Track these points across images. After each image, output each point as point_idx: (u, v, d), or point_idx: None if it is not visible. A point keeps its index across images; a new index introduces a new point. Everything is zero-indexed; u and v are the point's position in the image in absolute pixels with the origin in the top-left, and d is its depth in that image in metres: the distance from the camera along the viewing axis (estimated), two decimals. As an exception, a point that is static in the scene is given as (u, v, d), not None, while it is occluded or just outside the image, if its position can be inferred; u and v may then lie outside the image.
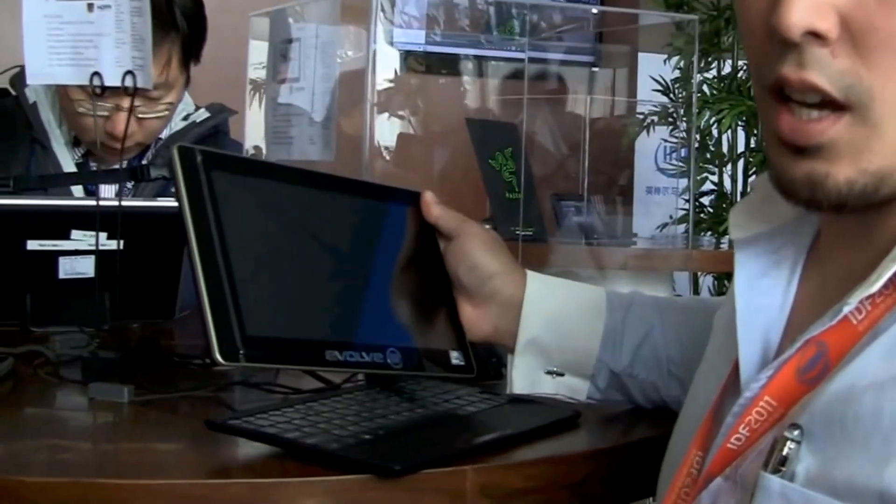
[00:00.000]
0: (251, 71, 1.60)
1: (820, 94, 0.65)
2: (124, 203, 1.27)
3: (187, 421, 1.03)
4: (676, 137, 3.10)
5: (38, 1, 1.20)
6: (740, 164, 3.18)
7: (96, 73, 1.19)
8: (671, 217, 3.05)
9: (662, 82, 3.09)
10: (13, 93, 1.89)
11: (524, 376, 1.03)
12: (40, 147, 1.85)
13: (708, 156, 3.11)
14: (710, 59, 3.08)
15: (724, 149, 3.15)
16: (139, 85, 1.20)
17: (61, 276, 1.41)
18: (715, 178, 3.18)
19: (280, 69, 1.52)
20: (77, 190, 1.82)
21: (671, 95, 3.10)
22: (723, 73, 3.09)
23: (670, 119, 3.05)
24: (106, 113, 1.72)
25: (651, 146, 3.37)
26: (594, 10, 3.45)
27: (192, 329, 1.43)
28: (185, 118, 1.92)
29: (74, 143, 1.88)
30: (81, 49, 1.19)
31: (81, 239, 1.40)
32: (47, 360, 1.19)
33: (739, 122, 2.97)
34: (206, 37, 1.85)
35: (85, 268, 1.40)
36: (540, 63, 2.81)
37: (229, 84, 1.81)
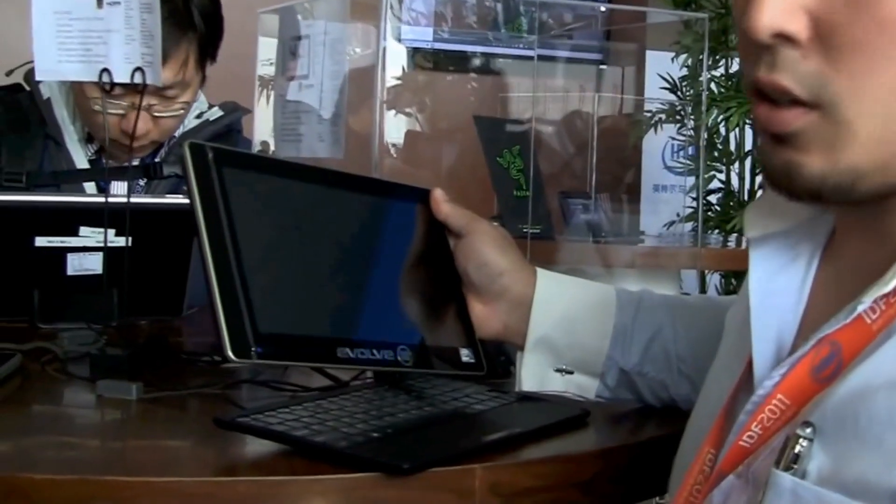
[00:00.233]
0: (260, 67, 1.60)
1: (790, 96, 0.66)
2: (132, 200, 1.26)
3: (195, 418, 1.03)
4: (684, 135, 3.10)
5: (47, -3, 1.20)
6: (748, 162, 3.18)
7: (105, 70, 1.19)
8: (678, 215, 3.05)
9: (670, 80, 3.09)
10: (27, 88, 1.89)
11: (533, 374, 1.03)
12: (53, 143, 1.85)
13: (715, 154, 3.11)
14: (717, 57, 3.08)
15: (732, 147, 3.15)
16: (148, 81, 1.19)
17: (69, 272, 1.41)
18: (722, 177, 3.18)
19: (289, 66, 1.52)
20: (89, 187, 1.82)
21: (679, 93, 3.09)
22: (731, 71, 3.09)
23: (678, 117, 3.05)
24: (121, 111, 1.72)
25: (658, 144, 3.37)
26: (602, 8, 3.44)
27: (200, 326, 1.43)
28: (199, 116, 1.92)
29: (88, 139, 1.88)
30: (91, 45, 1.19)
31: (90, 235, 1.40)
32: (55, 356, 1.19)
33: (747, 121, 2.97)
34: (223, 36, 1.85)
35: (93, 264, 1.40)
36: (549, 60, 2.81)
37: (238, 80, 1.81)
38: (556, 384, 1.03)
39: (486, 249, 1.04)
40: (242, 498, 0.77)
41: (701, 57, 2.94)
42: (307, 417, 0.86)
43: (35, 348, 1.20)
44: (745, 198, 3.13)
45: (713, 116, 2.92)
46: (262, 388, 1.07)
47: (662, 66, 3.11)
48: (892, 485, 0.59)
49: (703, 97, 2.66)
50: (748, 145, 3.13)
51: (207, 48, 1.82)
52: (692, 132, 3.02)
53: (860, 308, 0.65)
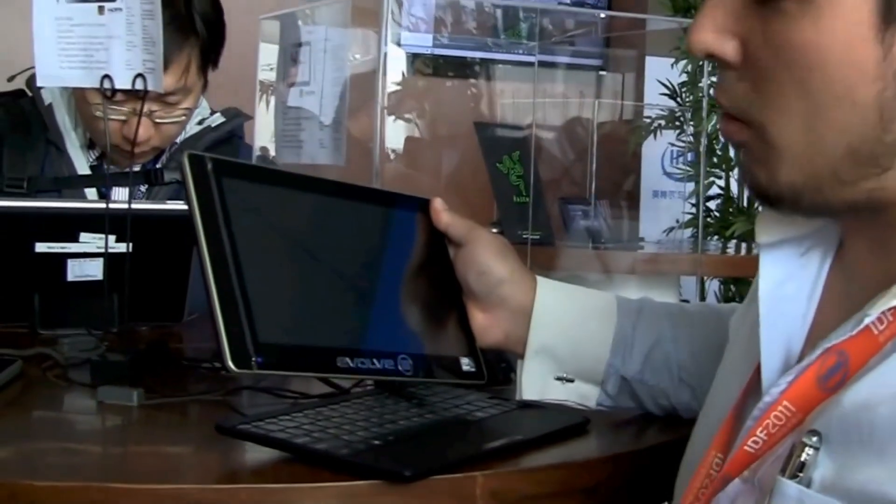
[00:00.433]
0: (261, 73, 1.60)
1: (731, 118, 0.71)
2: (133, 206, 1.27)
3: (196, 425, 1.04)
4: (683, 141, 3.10)
5: (48, 3, 1.19)
6: (747, 168, 3.17)
7: (107, 76, 1.19)
8: (677, 221, 3.05)
9: (669, 86, 3.09)
10: (29, 94, 1.89)
11: (534, 382, 1.03)
12: (55, 149, 1.85)
13: (714, 160, 3.11)
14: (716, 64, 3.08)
15: (731, 153, 3.15)
16: (150, 88, 1.19)
17: (70, 278, 1.41)
18: (721, 183, 3.17)
19: (290, 72, 1.52)
20: (90, 192, 1.82)
21: (678, 99, 3.09)
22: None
23: (677, 123, 3.04)
24: (123, 117, 1.72)
25: (657, 150, 3.36)
26: (602, 15, 3.45)
27: (201, 332, 1.43)
28: (200, 122, 1.92)
29: (89, 145, 1.88)
30: (92, 52, 1.19)
31: (90, 241, 1.40)
32: (56, 362, 1.19)
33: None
34: (225, 42, 1.86)
35: (93, 270, 1.40)
36: (548, 67, 2.81)
37: (239, 86, 1.81)
38: (557, 393, 1.03)
39: (486, 258, 1.04)
40: (243, 505, 0.78)
41: (700, 63, 2.94)
42: (308, 425, 0.86)
43: (36, 354, 1.21)
44: (745, 204, 3.13)
45: (712, 122, 2.92)
46: (263, 395, 1.07)
47: (662, 72, 3.10)
48: (893, 495, 0.59)
49: (704, 102, 2.65)
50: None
51: (209, 54, 1.82)
52: (691, 138, 3.02)
53: (867, 320, 0.65)
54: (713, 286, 3.20)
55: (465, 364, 1.04)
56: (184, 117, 1.82)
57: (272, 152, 1.59)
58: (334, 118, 1.45)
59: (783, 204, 0.71)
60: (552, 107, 2.78)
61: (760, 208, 0.80)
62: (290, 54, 1.52)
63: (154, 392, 1.05)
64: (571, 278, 1.11)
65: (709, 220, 3.10)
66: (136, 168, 1.80)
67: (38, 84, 1.28)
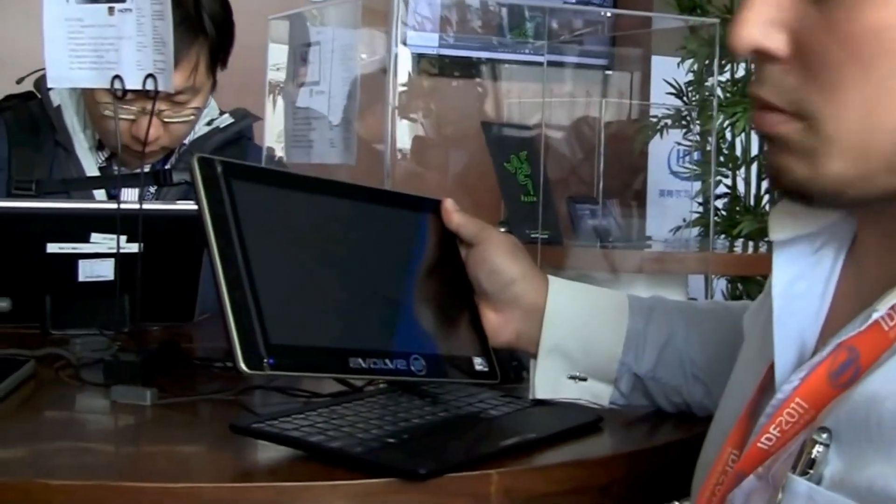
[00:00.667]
0: (270, 73, 1.60)
1: (771, 110, 0.69)
2: (144, 206, 1.27)
3: (209, 424, 1.04)
4: (690, 140, 3.10)
5: (58, 4, 1.19)
6: (754, 167, 3.18)
7: (117, 77, 1.19)
8: (684, 220, 3.05)
9: (676, 85, 3.09)
10: (38, 96, 1.89)
11: (547, 381, 1.03)
12: (63, 151, 1.85)
13: (721, 159, 3.11)
14: (723, 62, 3.08)
15: (738, 152, 3.15)
16: (160, 88, 1.19)
17: (81, 278, 1.41)
18: (728, 182, 3.17)
19: (299, 72, 1.52)
20: (100, 194, 1.82)
21: (685, 98, 3.09)
22: (736, 76, 3.09)
23: (683, 122, 3.04)
24: (132, 117, 1.72)
25: (664, 149, 3.37)
26: (608, 14, 3.45)
27: (212, 332, 1.44)
28: (209, 123, 1.92)
29: (98, 146, 1.88)
30: (102, 52, 1.19)
31: (101, 242, 1.41)
32: (68, 362, 1.19)
33: (753, 126, 2.97)
34: (234, 42, 1.86)
35: (105, 271, 1.40)
36: (555, 66, 2.80)
37: (248, 86, 1.81)
38: (570, 391, 1.03)
39: (497, 258, 1.04)
40: (258, 504, 0.78)
41: (707, 61, 2.94)
42: (322, 423, 0.86)
43: (48, 354, 1.21)
44: (751, 203, 3.13)
45: (719, 121, 2.92)
46: (275, 394, 1.07)
47: (668, 71, 3.10)
48: None
49: (714, 101, 2.66)
50: (754, 150, 3.13)
51: (218, 54, 1.82)
52: (698, 137, 3.02)
53: (875, 316, 0.65)
54: (720, 285, 3.20)
55: (478, 364, 1.04)
56: (193, 117, 1.82)
57: (280, 152, 1.59)
58: (344, 118, 1.45)
59: (823, 199, 0.69)
60: (559, 106, 2.78)
61: (769, 206, 0.79)
62: (300, 54, 1.53)
63: (167, 391, 1.05)
64: (580, 277, 1.11)
65: (716, 218, 3.10)
66: (146, 169, 1.80)
67: (49, 85, 1.28)
